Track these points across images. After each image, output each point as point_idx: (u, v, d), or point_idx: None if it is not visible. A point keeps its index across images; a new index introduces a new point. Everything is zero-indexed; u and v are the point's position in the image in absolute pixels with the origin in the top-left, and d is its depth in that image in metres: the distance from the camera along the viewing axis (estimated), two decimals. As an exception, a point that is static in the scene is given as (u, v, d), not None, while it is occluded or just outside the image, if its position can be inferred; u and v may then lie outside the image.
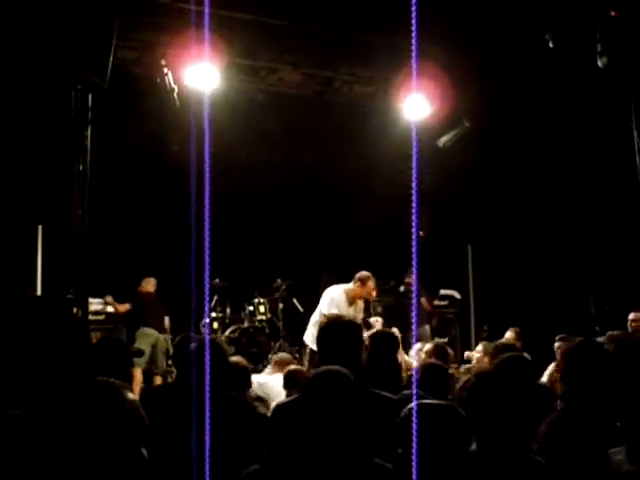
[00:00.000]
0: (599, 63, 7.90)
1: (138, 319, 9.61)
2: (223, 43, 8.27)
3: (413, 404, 2.59)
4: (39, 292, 7.24)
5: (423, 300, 10.76)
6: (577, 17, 7.95)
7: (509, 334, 7.25)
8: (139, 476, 1.89)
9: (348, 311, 7.96)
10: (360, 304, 8.24)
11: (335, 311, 7.75)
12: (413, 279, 10.53)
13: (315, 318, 8.21)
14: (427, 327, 10.01)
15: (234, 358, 5.21)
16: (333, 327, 3.72)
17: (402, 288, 8.35)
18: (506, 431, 2.89)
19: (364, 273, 8.16)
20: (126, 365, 4.13)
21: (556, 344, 6.52)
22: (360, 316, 7.98)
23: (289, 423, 3.29)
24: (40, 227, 7.32)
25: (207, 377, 2.86)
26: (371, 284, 8.14)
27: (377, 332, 5.38)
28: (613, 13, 7.66)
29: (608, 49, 7.81)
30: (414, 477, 2.21)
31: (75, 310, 6.82)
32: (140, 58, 9.29)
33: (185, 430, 2.87)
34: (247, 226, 11.42)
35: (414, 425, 2.35)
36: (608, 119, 9.20)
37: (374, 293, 8.42)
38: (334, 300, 7.98)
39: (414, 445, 2.30)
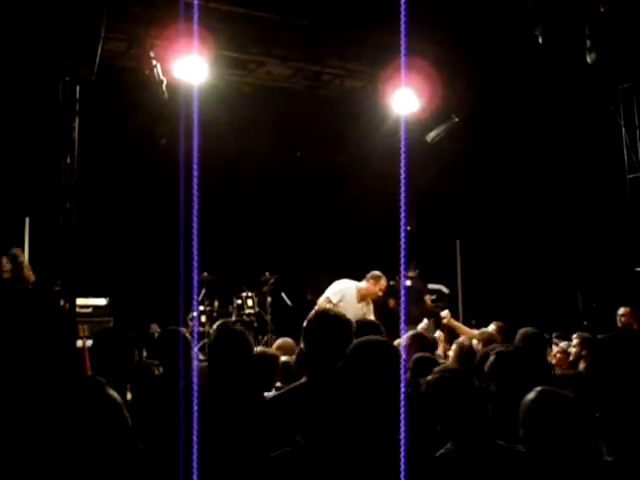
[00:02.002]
0: (588, 59, 7.94)
1: None
2: (212, 36, 8.25)
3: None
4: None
5: (427, 298, 10.84)
6: (566, 13, 7.98)
7: (492, 327, 7.31)
8: (116, 472, 1.89)
9: (357, 307, 7.94)
10: (370, 302, 8.19)
11: (338, 299, 7.79)
12: (416, 273, 10.61)
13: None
14: (431, 321, 10.01)
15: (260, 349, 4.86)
16: (320, 321, 3.68)
17: (409, 282, 8.38)
18: (478, 423, 2.88)
19: (376, 272, 8.16)
20: (130, 356, 4.08)
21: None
22: (371, 315, 7.96)
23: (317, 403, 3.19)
24: (27, 219, 7.30)
25: (194, 371, 2.85)
26: (383, 283, 8.14)
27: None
28: (602, 9, 7.70)
29: (597, 45, 7.85)
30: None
31: (62, 302, 6.79)
32: (129, 50, 9.23)
33: (173, 425, 2.86)
34: (236, 219, 11.40)
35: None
36: (596, 115, 9.25)
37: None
38: (342, 291, 7.95)
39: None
